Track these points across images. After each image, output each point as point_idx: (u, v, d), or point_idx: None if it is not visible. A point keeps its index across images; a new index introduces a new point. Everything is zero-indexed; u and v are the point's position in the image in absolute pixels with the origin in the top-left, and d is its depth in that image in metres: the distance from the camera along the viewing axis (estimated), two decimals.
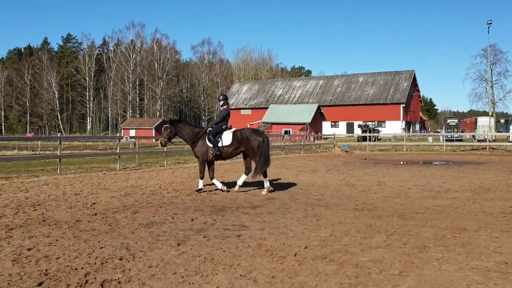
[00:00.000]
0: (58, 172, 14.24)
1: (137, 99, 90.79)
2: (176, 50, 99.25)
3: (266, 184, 10.28)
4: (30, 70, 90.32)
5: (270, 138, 30.12)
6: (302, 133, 48.75)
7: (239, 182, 10.46)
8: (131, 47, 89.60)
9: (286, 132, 53.50)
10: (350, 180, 12.84)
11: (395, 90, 68.10)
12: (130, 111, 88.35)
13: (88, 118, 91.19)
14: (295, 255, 5.16)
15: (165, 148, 15.43)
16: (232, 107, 72.62)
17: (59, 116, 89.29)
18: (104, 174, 14.38)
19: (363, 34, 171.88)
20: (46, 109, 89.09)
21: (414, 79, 71.37)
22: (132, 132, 65.63)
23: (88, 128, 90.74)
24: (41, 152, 29.90)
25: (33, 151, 35.12)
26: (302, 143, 31.79)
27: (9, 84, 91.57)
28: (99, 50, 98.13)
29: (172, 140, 10.94)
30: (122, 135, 64.40)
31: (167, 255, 5.16)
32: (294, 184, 11.81)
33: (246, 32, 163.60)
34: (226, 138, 10.30)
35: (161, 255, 5.17)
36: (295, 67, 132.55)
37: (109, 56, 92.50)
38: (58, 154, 15.00)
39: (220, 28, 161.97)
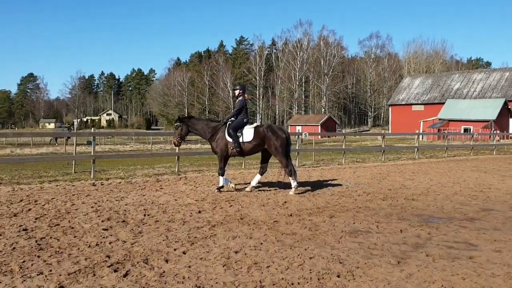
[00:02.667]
0: (243, 167, 14.55)
1: (303, 96, 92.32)
2: (342, 46, 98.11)
3: (293, 184, 9.41)
4: (209, 71, 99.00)
5: (449, 137, 27.20)
6: (486, 131, 43.28)
7: (253, 183, 9.75)
8: (298, 45, 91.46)
9: (465, 130, 48.24)
10: None
11: None
12: (296, 108, 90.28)
13: (258, 115, 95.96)
14: None
15: (301, 146, 14.50)
16: (403, 103, 68.65)
17: None
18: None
19: None
20: (222, 107, 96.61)
21: None
22: (299, 129, 66.74)
23: None
24: None
25: None
26: (494, 142, 27.97)
27: (191, 85, 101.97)
28: (268, 50, 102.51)
29: (186, 139, 10.09)
30: (300, 131, 66.56)
31: (391, 277, 4.28)
32: (499, 190, 9.87)
33: (417, 23, 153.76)
34: (248, 134, 9.41)
35: (384, 275, 4.32)
36: (472, 58, 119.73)
37: (278, 55, 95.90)
38: None
39: (389, 20, 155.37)
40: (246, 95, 9.84)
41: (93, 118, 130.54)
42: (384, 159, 18.98)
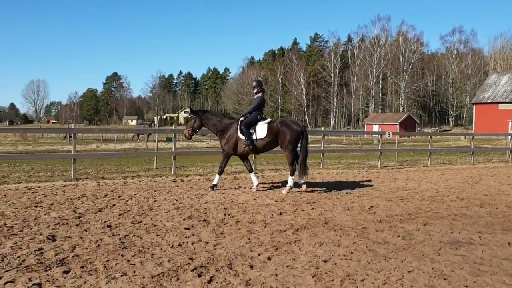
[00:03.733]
0: (321, 167, 14.07)
1: (380, 93, 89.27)
2: (422, 41, 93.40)
3: (290, 183, 8.94)
4: (282, 69, 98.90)
5: None
6: None
7: (290, 183, 9.02)
8: (375, 41, 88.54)
9: None
10: None
11: None
12: (373, 106, 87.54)
13: (332, 113, 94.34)
14: None
15: (383, 146, 13.56)
16: (488, 101, 63.98)
17: (305, 112, 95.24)
18: (366, 171, 13.52)
19: None
20: (294, 105, 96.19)
21: None
22: (376, 128, 64.65)
23: (331, 123, 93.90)
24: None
25: None
26: None
27: (264, 83, 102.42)
28: (344, 47, 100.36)
29: (198, 132, 9.67)
30: (365, 129, 64.53)
31: None
32: None
33: (504, 16, 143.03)
34: (261, 130, 8.96)
35: None
36: None
37: (354, 52, 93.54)
38: (322, 148, 14.87)
39: (473, 14, 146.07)
40: (264, 90, 9.53)
41: (171, 115, 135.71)
42: (473, 161, 17.57)
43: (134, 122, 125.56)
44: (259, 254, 4.78)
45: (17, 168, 13.13)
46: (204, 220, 6.34)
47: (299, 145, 9.14)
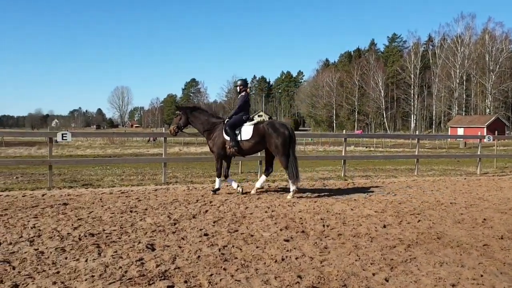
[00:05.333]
0: (416, 173, 13.14)
1: (464, 95, 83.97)
2: (511, 39, 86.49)
3: (293, 187, 8.63)
4: (358, 71, 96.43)
5: None
6: None
7: (258, 184, 9.05)
8: (458, 40, 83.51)
9: None
10: None
11: None
12: (456, 108, 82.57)
13: (412, 116, 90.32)
14: None
15: (483, 152, 12.34)
16: None
17: (384, 114, 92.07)
18: (465, 179, 12.39)
19: None
20: (372, 107, 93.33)
21: None
22: (460, 131, 60.84)
23: (411, 126, 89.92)
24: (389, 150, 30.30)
25: (367, 147, 36.30)
26: None
27: (340, 85, 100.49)
28: (424, 47, 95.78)
29: (184, 130, 9.42)
30: (448, 133, 60.75)
31: None
32: None
33: None
34: (246, 131, 8.62)
35: None
36: None
37: (435, 52, 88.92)
38: (416, 153, 13.89)
39: None
40: (247, 89, 9.14)
41: None
42: None
43: None
44: (373, 274, 4.26)
45: (109, 171, 13.59)
46: (303, 231, 5.91)
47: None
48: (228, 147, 8.68)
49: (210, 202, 7.92)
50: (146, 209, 7.21)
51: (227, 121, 8.79)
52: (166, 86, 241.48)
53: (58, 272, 4.14)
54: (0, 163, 14.06)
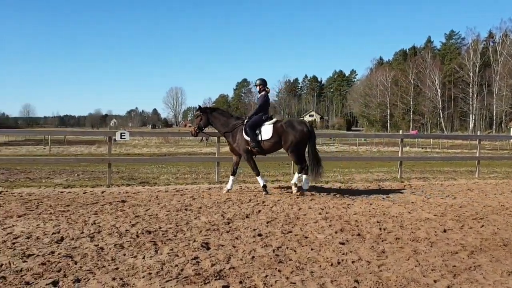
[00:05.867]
0: (477, 176, 12.52)
1: None
2: None
3: (293, 180, 8.86)
4: (414, 69, 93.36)
5: None
6: None
7: (294, 180, 8.90)
8: None
9: None
10: None
11: None
12: None
13: (471, 116, 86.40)
14: None
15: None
16: None
17: (440, 114, 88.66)
18: None
19: None
20: (428, 107, 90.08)
21: None
22: None
23: (470, 126, 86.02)
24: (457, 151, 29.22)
25: (422, 148, 35.05)
26: None
27: (395, 84, 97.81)
28: (484, 44, 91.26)
29: (204, 130, 9.44)
30: None
31: None
32: None
33: None
34: (266, 131, 8.69)
35: None
36: None
37: (496, 49, 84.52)
38: (477, 155, 13.23)
39: None
40: (267, 89, 9.11)
41: None
42: None
43: None
44: (435, 281, 4.07)
45: (164, 169, 13.94)
46: (358, 234, 5.76)
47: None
48: (248, 147, 8.80)
49: (263, 202, 7.91)
50: (200, 208, 7.30)
51: (246, 121, 8.90)
52: (218, 87, 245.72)
53: (117, 268, 4.25)
54: (63, 161, 14.75)
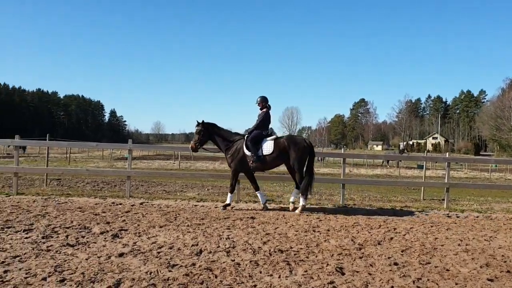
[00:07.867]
0: None
1: None
2: None
3: (292, 199, 9.13)
4: None
5: None
6: None
7: (292, 199, 9.13)
8: None
9: None
10: None
11: None
12: None
13: None
14: None
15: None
16: None
17: None
18: None
19: None
20: None
21: None
22: None
23: None
24: None
25: None
26: None
27: None
28: None
29: (205, 146, 9.45)
30: None
31: None
32: None
33: None
34: (267, 146, 8.82)
35: None
36: None
37: None
38: None
39: None
40: (267, 106, 9.18)
41: (418, 141, 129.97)
42: None
43: (380, 148, 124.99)
44: None
45: (287, 188, 14.13)
46: (508, 271, 5.19)
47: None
48: (250, 162, 8.87)
49: (394, 229, 7.56)
50: (328, 230, 7.22)
51: (247, 136, 8.99)
52: (333, 107, 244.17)
53: (255, 286, 4.34)
54: (195, 175, 15.50)
